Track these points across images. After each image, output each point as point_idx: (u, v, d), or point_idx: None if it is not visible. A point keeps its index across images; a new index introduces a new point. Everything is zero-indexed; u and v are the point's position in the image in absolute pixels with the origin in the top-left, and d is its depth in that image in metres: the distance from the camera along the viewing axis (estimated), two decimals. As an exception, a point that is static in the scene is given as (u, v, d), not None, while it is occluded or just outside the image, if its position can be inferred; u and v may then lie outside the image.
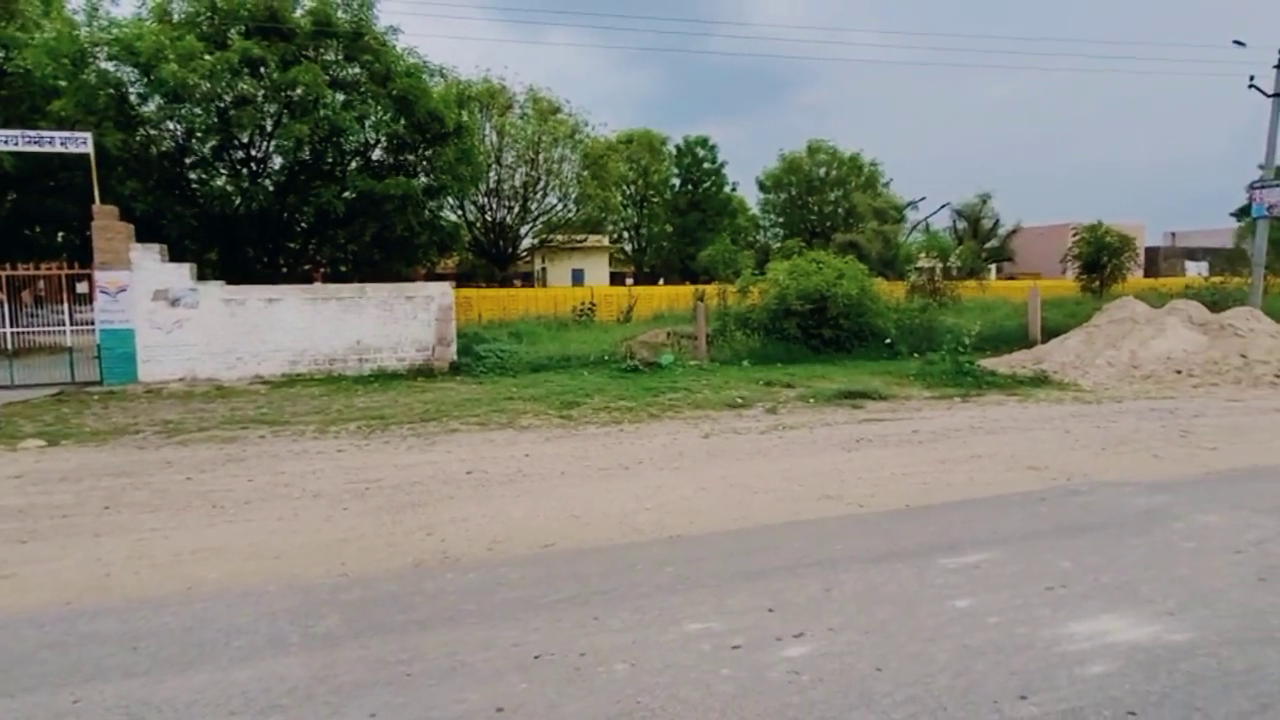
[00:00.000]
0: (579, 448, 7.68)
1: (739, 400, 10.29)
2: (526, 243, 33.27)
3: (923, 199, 35.80)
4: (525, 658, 3.21)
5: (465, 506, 5.62)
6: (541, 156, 28.70)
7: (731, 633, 3.41)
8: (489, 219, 30.51)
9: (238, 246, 21.42)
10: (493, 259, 31.31)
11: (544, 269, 36.26)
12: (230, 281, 13.97)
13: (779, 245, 33.18)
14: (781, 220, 42.10)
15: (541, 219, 31.41)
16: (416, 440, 8.18)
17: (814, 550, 4.55)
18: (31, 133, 13.63)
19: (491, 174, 27.98)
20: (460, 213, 29.11)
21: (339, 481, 6.42)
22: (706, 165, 41.12)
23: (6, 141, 13.22)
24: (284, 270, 22.14)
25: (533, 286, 31.80)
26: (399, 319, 13.90)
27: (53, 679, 3.05)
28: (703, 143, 41.20)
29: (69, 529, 5.17)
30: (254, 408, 10.47)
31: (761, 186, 41.82)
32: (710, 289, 20.96)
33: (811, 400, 10.35)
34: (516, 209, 30.29)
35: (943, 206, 33.26)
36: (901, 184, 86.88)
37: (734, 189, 42.67)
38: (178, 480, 6.53)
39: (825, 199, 40.44)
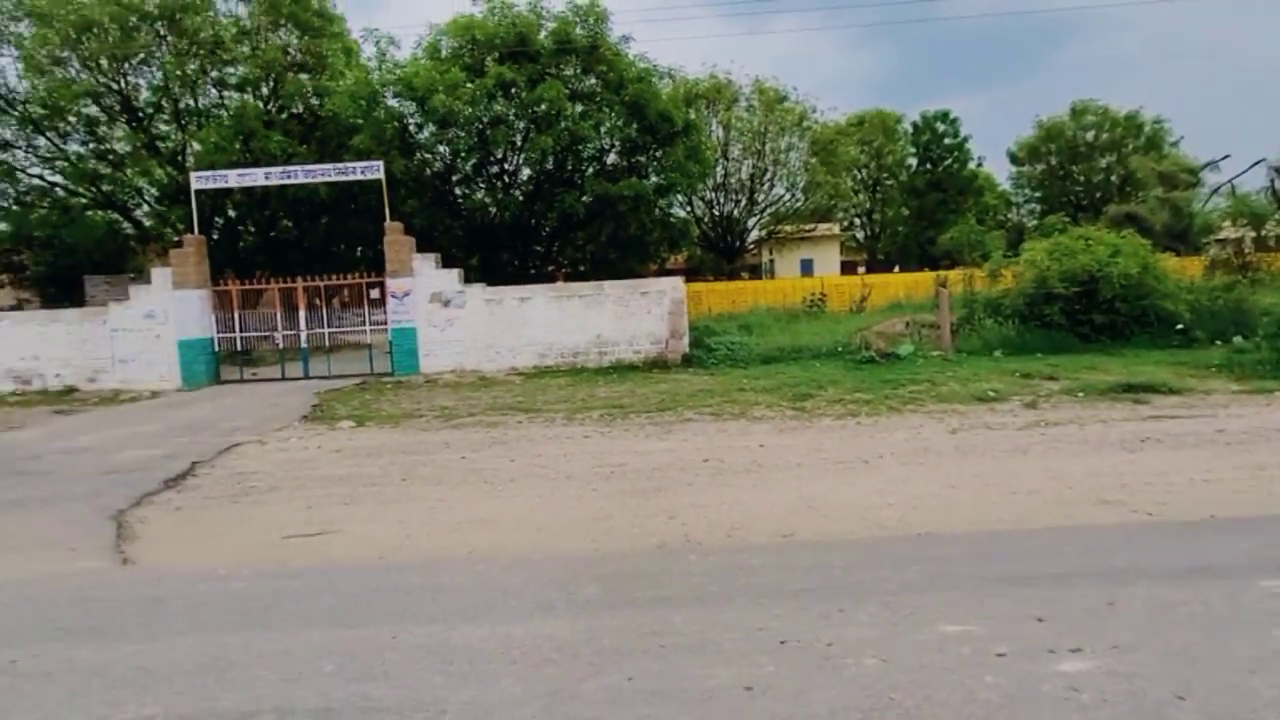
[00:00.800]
0: (814, 440, 7.55)
1: (991, 393, 9.45)
2: (754, 235, 33.30)
3: (1225, 158, 29.90)
4: (771, 642, 3.23)
5: (703, 493, 5.78)
6: (768, 147, 28.53)
7: (994, 639, 3.16)
8: (716, 213, 30.99)
9: (494, 252, 23.88)
10: (720, 253, 31.77)
11: (772, 261, 36.04)
12: (489, 284, 15.63)
13: (1035, 223, 29.87)
14: (1038, 195, 37.90)
15: (769, 210, 31.24)
16: (654, 429, 8.55)
17: (1090, 559, 4.06)
18: (339, 165, 16.29)
19: (718, 169, 28.37)
20: (689, 209, 29.88)
21: (587, 465, 6.91)
22: (947, 141, 38.12)
23: (322, 174, 15.95)
24: (532, 272, 24.29)
25: (760, 279, 31.74)
26: (634, 314, 14.63)
27: (377, 618, 3.65)
28: (943, 117, 38.25)
29: (377, 496, 6.14)
30: (511, 396, 11.63)
31: (1013, 159, 37.93)
32: (953, 274, 19.46)
33: (1080, 394, 9.20)
34: (743, 202, 30.42)
35: (1256, 164, 27.55)
36: (1194, 143, 73.98)
37: (979, 165, 39.17)
38: (455, 459, 7.45)
39: (1094, 167, 35.67)
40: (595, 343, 14.67)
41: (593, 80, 20.87)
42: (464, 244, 22.68)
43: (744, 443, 7.56)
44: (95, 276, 26.05)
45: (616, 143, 21.85)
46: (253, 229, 24.51)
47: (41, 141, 21.62)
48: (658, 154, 21.54)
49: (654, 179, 21.90)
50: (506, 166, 22.41)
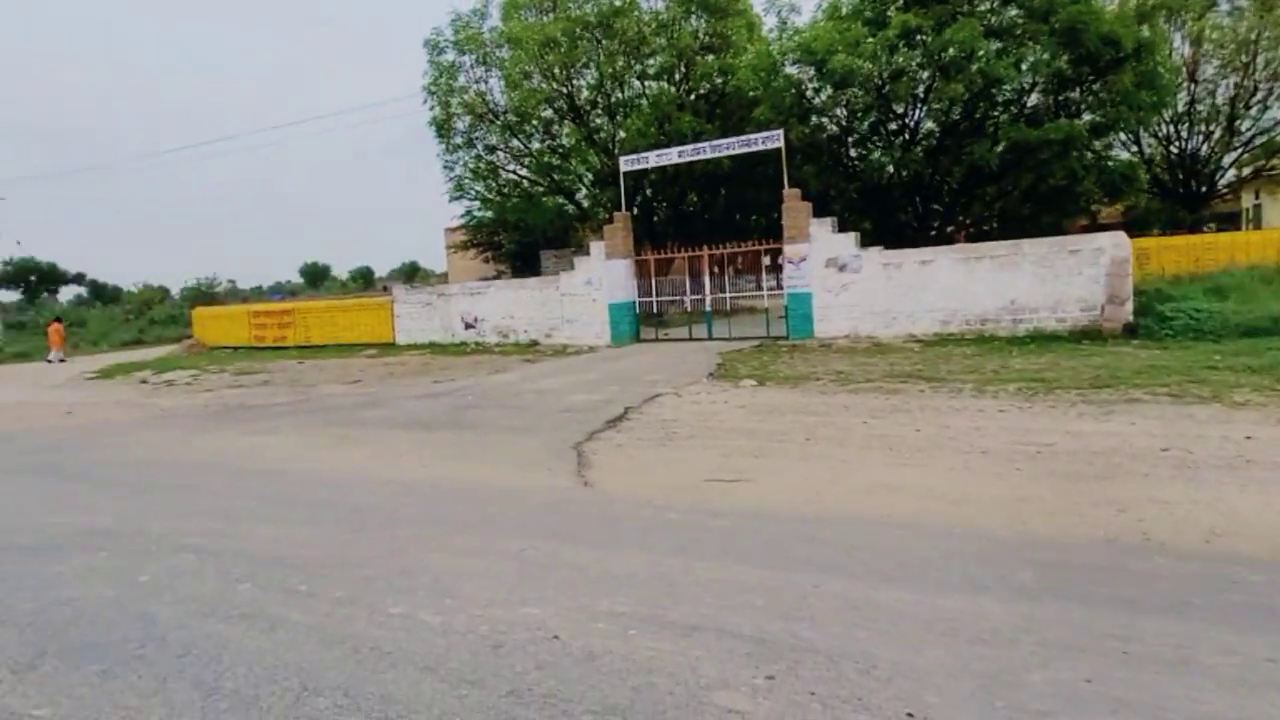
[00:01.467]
0: (1336, 435, 5.75)
1: None
2: (1229, 176, 26.36)
3: None
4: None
5: (1166, 488, 4.80)
6: (1260, 59, 22.14)
7: None
8: (1174, 152, 25.22)
9: (889, 214, 22.90)
10: (1179, 200, 25.83)
11: (1258, 207, 28.13)
12: (885, 247, 15.05)
13: None
14: None
15: (1256, 142, 24.33)
16: (1088, 407, 7.38)
17: None
18: (741, 138, 17.13)
19: (1181, 95, 22.95)
20: (1134, 149, 24.87)
21: (1005, 441, 6.27)
22: None
23: (726, 148, 16.96)
24: (931, 234, 22.74)
25: (1237, 230, 25.06)
26: (1060, 276, 12.75)
27: (797, 565, 3.82)
28: None
29: (784, 452, 6.40)
30: (910, 364, 11.10)
31: None
32: None
33: None
34: (1217, 134, 24.20)
35: None
36: None
37: None
38: (856, 423, 7.39)
39: None
40: (1008, 309, 13.18)
41: (1013, 11, 18.46)
42: (858, 207, 22.19)
43: (1219, 432, 6.09)
44: (547, 251, 31.77)
45: (1040, 80, 19.08)
46: (664, 204, 27.29)
47: (514, 143, 26.84)
48: (1095, 87, 18.27)
49: (1088, 117, 18.65)
50: (906, 121, 21.20)
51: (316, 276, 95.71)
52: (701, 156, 17.55)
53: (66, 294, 75.19)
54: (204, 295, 51.26)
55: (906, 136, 21.37)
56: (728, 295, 17.59)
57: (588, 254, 18.32)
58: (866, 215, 23.18)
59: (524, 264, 33.26)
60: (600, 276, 17.61)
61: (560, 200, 28.62)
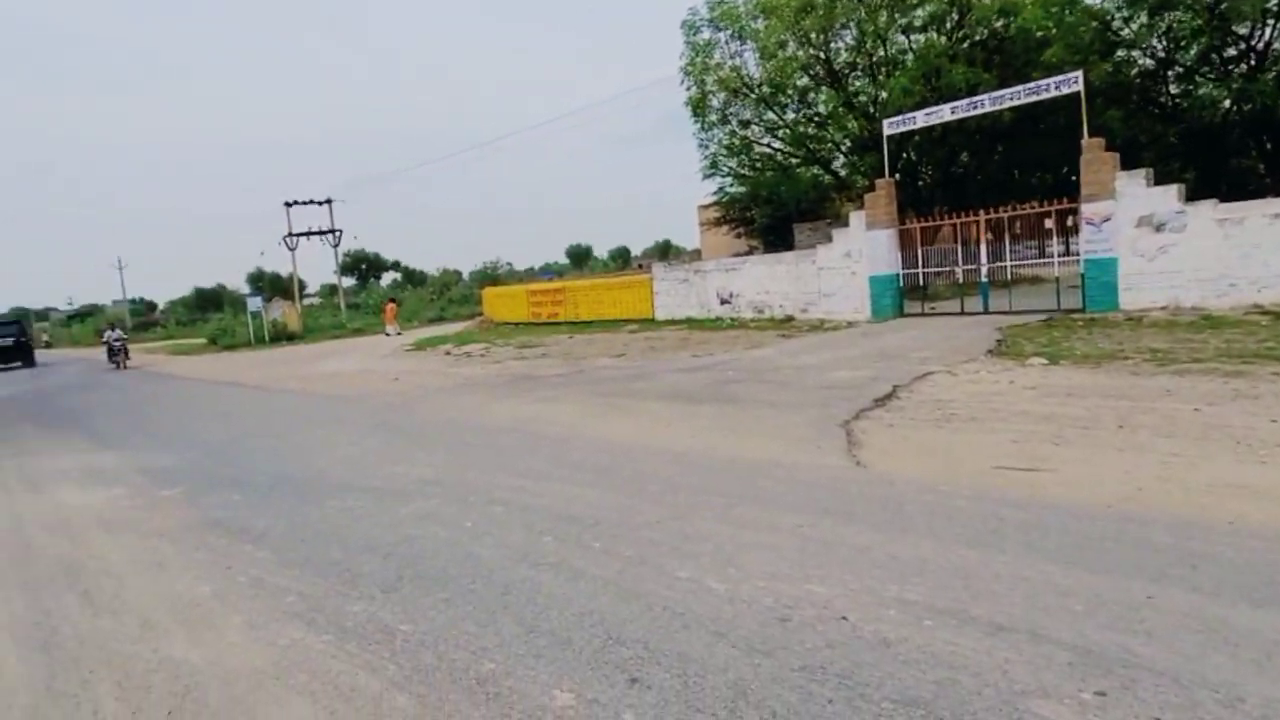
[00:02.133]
0: None
1: None
2: None
3: None
4: None
5: None
6: None
7: None
8: None
9: (1220, 160, 19.05)
10: None
11: None
12: (1220, 200, 12.49)
13: None
14: None
15: None
16: None
17: None
18: (1029, 85, 15.20)
19: None
20: None
21: None
22: None
23: (1010, 98, 15.17)
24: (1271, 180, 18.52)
25: None
26: None
27: (1123, 570, 3.34)
28: None
29: (1090, 440, 5.63)
30: (1256, 340, 9.16)
31: None
32: None
33: None
34: None
35: None
36: None
37: None
38: (1184, 410, 6.27)
39: None
40: (1405, 270, 10.31)
41: None
42: (1178, 154, 18.75)
43: None
44: (801, 224, 31.10)
45: None
46: (930, 167, 25.29)
47: (768, 116, 26.53)
48: None
49: None
50: (1252, 44, 17.35)
51: (580, 257, 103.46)
52: (978, 111, 15.91)
53: (387, 279, 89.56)
54: (489, 277, 57.96)
55: (1250, 63, 17.51)
56: (1007, 264, 15.85)
57: (845, 225, 17.61)
58: (1189, 164, 19.50)
59: (776, 238, 32.93)
60: (860, 248, 16.84)
61: (816, 171, 27.84)
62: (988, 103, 15.49)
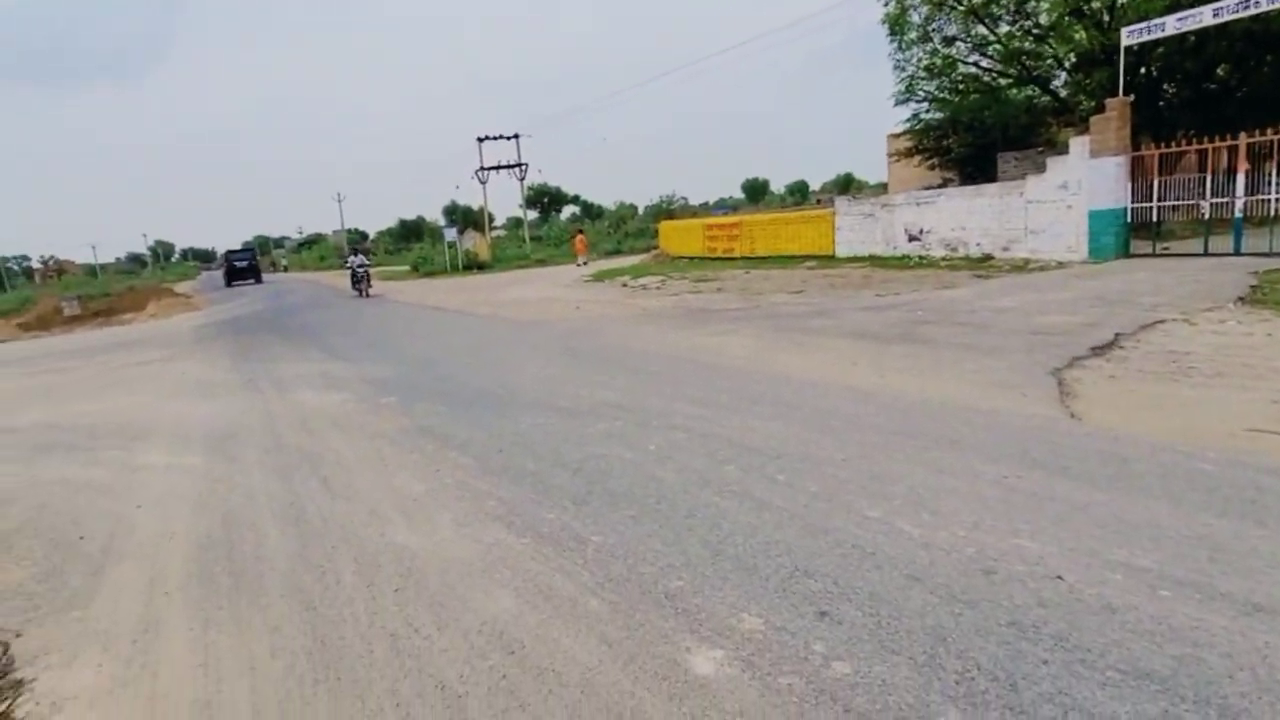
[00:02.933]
0: None
1: None
2: None
3: None
4: None
5: None
6: None
7: None
8: None
9: None
10: None
11: None
12: None
13: None
14: None
15: None
16: None
17: None
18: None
19: None
20: None
21: None
22: None
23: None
24: None
25: None
26: None
27: None
28: None
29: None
30: None
31: None
32: None
33: None
34: None
35: None
36: None
37: None
38: None
39: None
40: None
41: None
42: None
43: None
44: (1006, 153, 28.07)
45: None
46: (1174, 85, 21.71)
47: (978, 30, 23.90)
48: None
49: None
50: None
51: (756, 192, 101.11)
52: (1250, 12, 13.28)
53: (566, 213, 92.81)
54: (664, 211, 58.22)
55: None
56: (1271, 197, 13.36)
57: (1063, 153, 15.64)
58: None
59: (976, 169, 30.04)
60: (1081, 178, 14.93)
61: (1031, 91, 24.93)
62: (1265, 1, 12.87)
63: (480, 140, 37.45)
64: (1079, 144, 15.05)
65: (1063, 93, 23.79)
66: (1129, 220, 14.71)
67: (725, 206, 74.41)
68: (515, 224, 79.48)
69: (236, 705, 2.53)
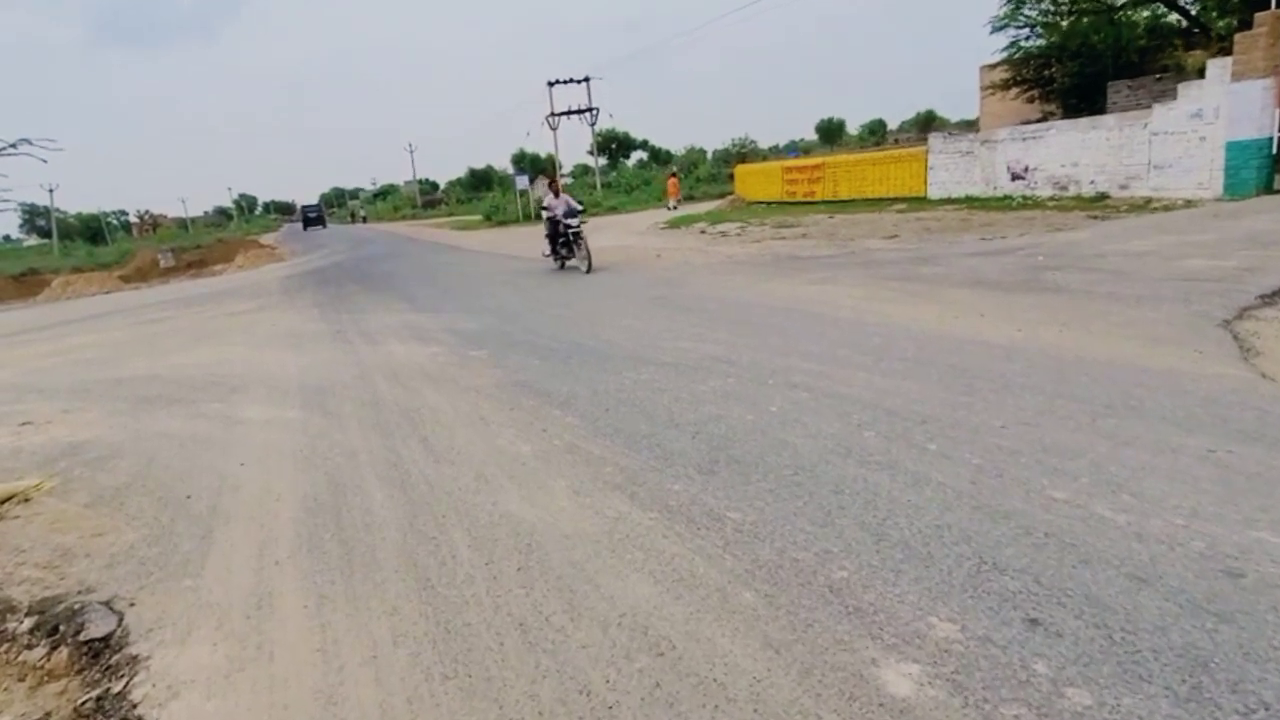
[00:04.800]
0: None
1: None
2: None
3: None
4: None
5: None
6: None
7: None
8: None
9: None
10: None
11: None
12: None
13: None
14: None
15: None
16: None
17: None
18: None
19: None
20: None
21: None
22: None
23: None
24: None
25: None
26: None
27: None
28: None
29: None
30: None
31: None
32: None
33: None
34: None
35: None
36: None
37: None
38: None
39: None
40: None
41: None
42: None
43: None
44: (1118, 82, 25.70)
45: None
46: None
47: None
48: None
49: None
50: None
51: (831, 133, 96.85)
52: None
53: (634, 159, 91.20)
54: (737, 155, 56.42)
55: None
56: None
57: (1192, 78, 14.03)
58: None
59: (1082, 102, 27.63)
60: (1219, 105, 13.37)
61: (1155, 11, 22.59)
62: None
63: (551, 84, 36.66)
64: (1218, 66, 13.43)
65: (1194, 9, 21.44)
66: (1275, 151, 13.13)
67: (796, 149, 71.61)
68: (583, 171, 78.71)
69: (362, 702, 2.28)
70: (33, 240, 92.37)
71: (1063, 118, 27.28)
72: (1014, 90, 30.48)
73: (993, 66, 32.39)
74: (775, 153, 70.44)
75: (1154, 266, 8.00)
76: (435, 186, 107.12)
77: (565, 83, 36.90)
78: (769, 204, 26.47)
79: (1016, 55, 27.93)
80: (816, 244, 13.91)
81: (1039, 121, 26.06)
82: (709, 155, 70.58)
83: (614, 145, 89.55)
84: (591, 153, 47.92)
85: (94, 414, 6.16)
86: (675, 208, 30.68)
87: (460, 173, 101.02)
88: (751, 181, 28.44)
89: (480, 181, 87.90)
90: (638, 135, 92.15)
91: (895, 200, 20.70)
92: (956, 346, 5.51)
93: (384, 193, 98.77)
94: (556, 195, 13.96)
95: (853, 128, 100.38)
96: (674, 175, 34.19)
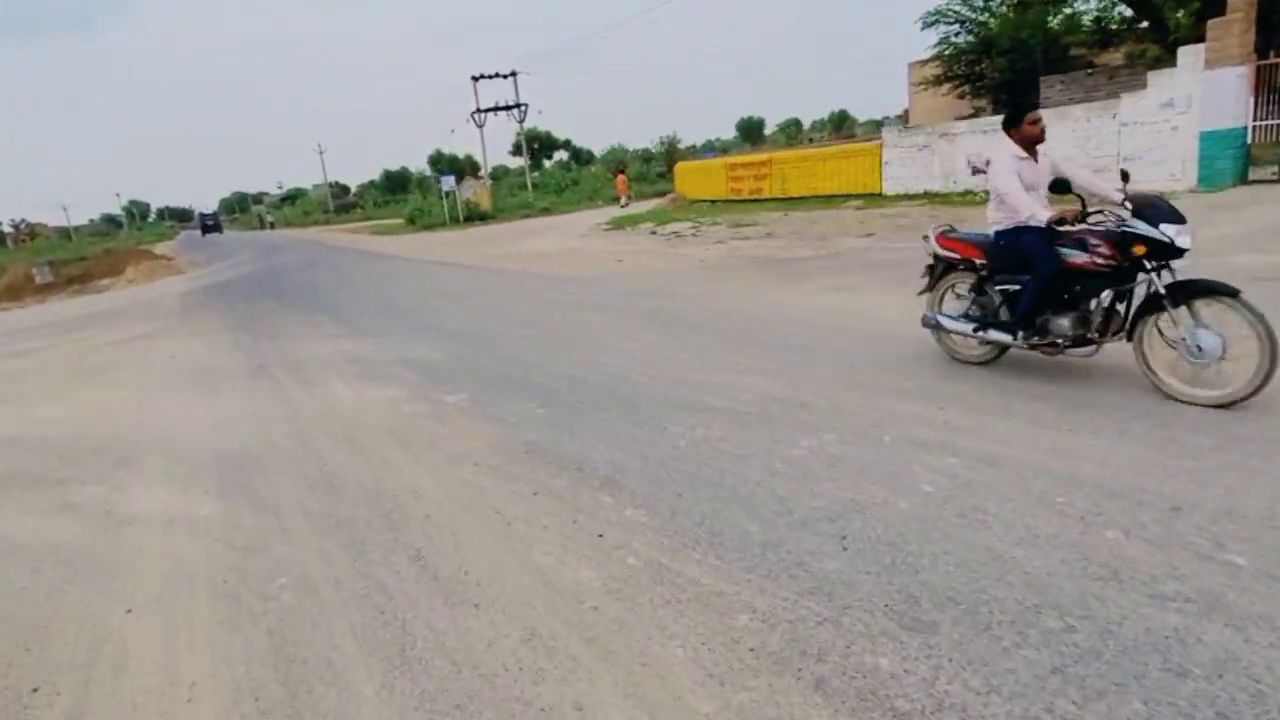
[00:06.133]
0: None
1: None
2: None
3: None
4: None
5: None
6: None
7: None
8: None
9: None
10: None
11: None
12: None
13: None
14: None
15: None
16: None
17: None
18: None
19: None
20: None
21: None
22: None
23: None
24: None
25: None
26: None
27: None
28: None
29: None
30: None
31: None
32: None
33: None
34: None
35: None
36: None
37: None
38: None
39: None
40: None
41: None
42: None
43: None
44: (1050, 77, 25.91)
45: None
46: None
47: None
48: None
49: None
50: None
51: (752, 131, 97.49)
52: None
53: (555, 158, 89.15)
54: (664, 154, 55.49)
55: None
56: None
57: (1166, 67, 13.68)
58: None
59: (1012, 97, 27.88)
60: (1191, 94, 12.99)
61: (1079, 6, 22.64)
62: None
63: (475, 79, 34.58)
64: (1190, 54, 13.07)
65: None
66: (1250, 142, 12.86)
67: (714, 149, 71.15)
68: (504, 172, 76.38)
69: None
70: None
71: (992, 113, 27.42)
72: (945, 86, 30.54)
73: (924, 63, 32.44)
74: (693, 152, 69.86)
75: (1205, 264, 7.18)
76: (347, 190, 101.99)
77: (491, 77, 34.93)
78: (712, 202, 25.45)
79: (947, 51, 27.89)
80: (787, 244, 12.84)
81: (971, 116, 26.02)
82: (631, 154, 69.37)
83: (536, 145, 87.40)
84: (519, 150, 45.92)
85: (-93, 511, 4.32)
86: (625, 205, 29.53)
87: (373, 175, 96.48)
88: (693, 179, 27.36)
89: (397, 184, 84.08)
90: (559, 135, 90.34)
91: (849, 197, 19.96)
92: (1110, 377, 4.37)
93: (291, 196, 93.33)
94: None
95: (770, 127, 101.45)
96: (622, 172, 33.03)
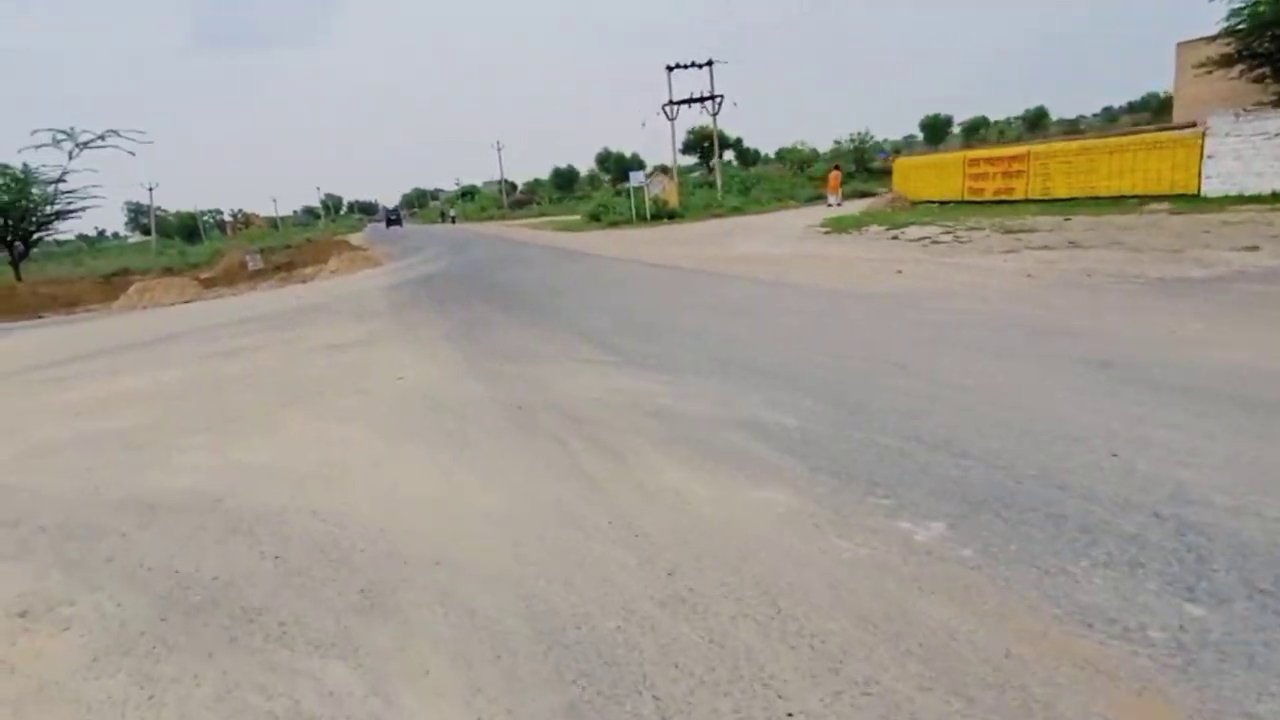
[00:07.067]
0: None
1: None
2: None
3: None
4: None
5: None
6: None
7: None
8: None
9: None
10: None
11: None
12: None
13: None
14: None
15: None
16: None
17: None
18: None
19: None
20: None
21: None
22: None
23: None
24: None
25: None
26: None
27: None
28: None
29: None
30: None
31: None
32: None
33: None
34: None
35: None
36: None
37: None
38: None
39: None
40: None
41: None
42: None
43: None
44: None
45: None
46: None
47: None
48: None
49: None
50: None
51: (937, 130, 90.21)
52: None
53: (725, 158, 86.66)
54: (853, 153, 51.65)
55: None
56: None
57: None
58: None
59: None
60: None
61: None
62: None
63: (670, 69, 32.79)
64: None
65: None
66: None
67: (885, 151, 64.98)
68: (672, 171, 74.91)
69: None
70: (136, 237, 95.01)
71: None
72: (1238, 68, 25.11)
73: (1210, 40, 27.00)
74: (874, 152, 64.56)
75: None
76: (515, 187, 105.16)
77: (686, 67, 33.01)
78: (941, 204, 22.02)
79: (1241, 25, 22.75)
80: (1127, 257, 9.67)
81: (1276, 104, 20.76)
82: (824, 154, 65.08)
83: (705, 144, 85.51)
84: (711, 145, 43.82)
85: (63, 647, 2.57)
86: (836, 205, 26.83)
87: (538, 173, 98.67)
88: (918, 178, 23.96)
89: (567, 181, 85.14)
90: (730, 134, 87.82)
91: (1146, 199, 16.02)
92: None
93: (467, 193, 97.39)
94: None
95: (955, 127, 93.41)
96: (837, 169, 30.21)
